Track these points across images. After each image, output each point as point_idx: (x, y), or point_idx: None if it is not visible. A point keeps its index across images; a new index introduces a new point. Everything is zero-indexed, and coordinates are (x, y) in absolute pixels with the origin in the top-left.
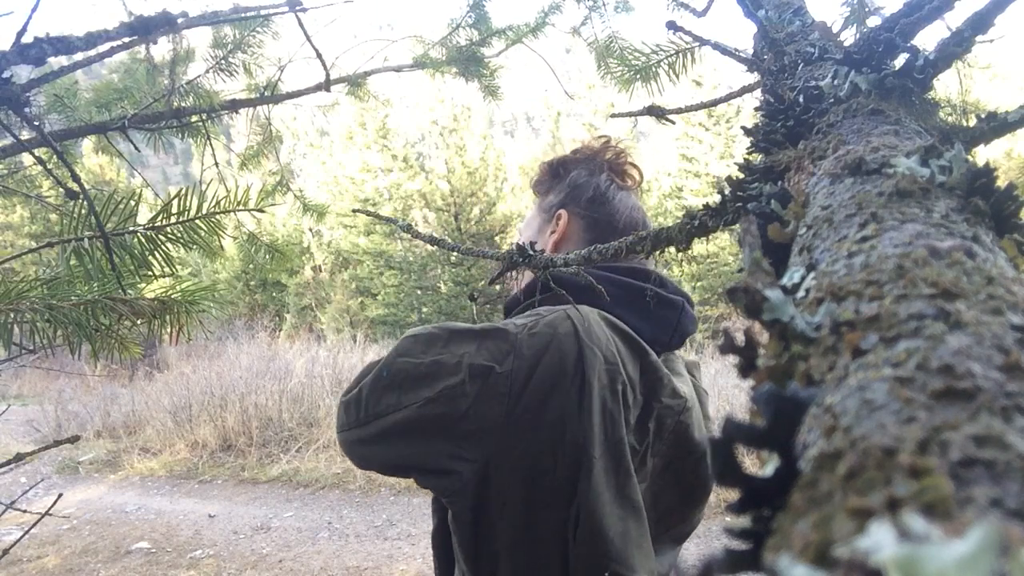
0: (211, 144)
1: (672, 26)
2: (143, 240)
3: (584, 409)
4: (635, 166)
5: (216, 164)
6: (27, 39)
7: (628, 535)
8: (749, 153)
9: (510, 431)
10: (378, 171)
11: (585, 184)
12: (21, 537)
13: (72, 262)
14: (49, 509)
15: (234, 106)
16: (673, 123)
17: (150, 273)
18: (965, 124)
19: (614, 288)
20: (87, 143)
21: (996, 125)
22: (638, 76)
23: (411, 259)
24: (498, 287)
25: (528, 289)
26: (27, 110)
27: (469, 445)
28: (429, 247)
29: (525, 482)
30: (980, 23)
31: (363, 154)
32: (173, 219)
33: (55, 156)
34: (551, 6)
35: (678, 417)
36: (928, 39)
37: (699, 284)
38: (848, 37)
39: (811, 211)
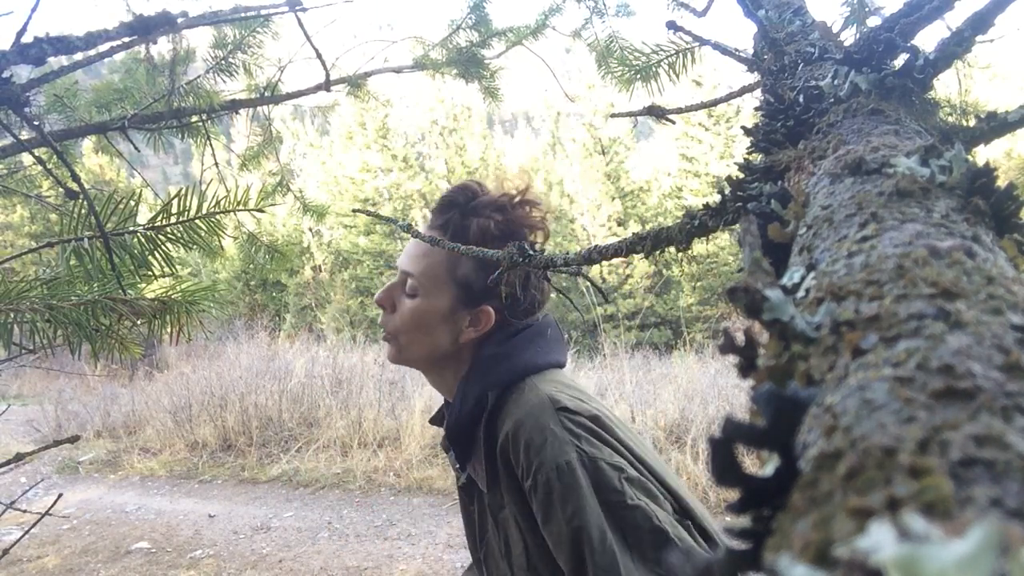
0: (211, 144)
1: (672, 26)
2: (143, 240)
3: None
4: (545, 229)
5: (216, 164)
6: (27, 39)
7: None
8: (749, 153)
9: None
10: (378, 171)
11: (518, 294)
12: (21, 537)
13: (72, 262)
14: (49, 509)
15: (234, 106)
16: (673, 123)
17: (150, 273)
18: (965, 124)
19: (535, 345)
20: (87, 143)
21: (996, 125)
22: (638, 76)
23: None
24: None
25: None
26: (27, 110)
27: None
28: None
29: None
30: (980, 23)
31: (363, 154)
32: (173, 219)
33: (55, 156)
34: (551, 8)
35: None
36: (928, 39)
37: (699, 284)
38: (848, 37)
39: (811, 211)
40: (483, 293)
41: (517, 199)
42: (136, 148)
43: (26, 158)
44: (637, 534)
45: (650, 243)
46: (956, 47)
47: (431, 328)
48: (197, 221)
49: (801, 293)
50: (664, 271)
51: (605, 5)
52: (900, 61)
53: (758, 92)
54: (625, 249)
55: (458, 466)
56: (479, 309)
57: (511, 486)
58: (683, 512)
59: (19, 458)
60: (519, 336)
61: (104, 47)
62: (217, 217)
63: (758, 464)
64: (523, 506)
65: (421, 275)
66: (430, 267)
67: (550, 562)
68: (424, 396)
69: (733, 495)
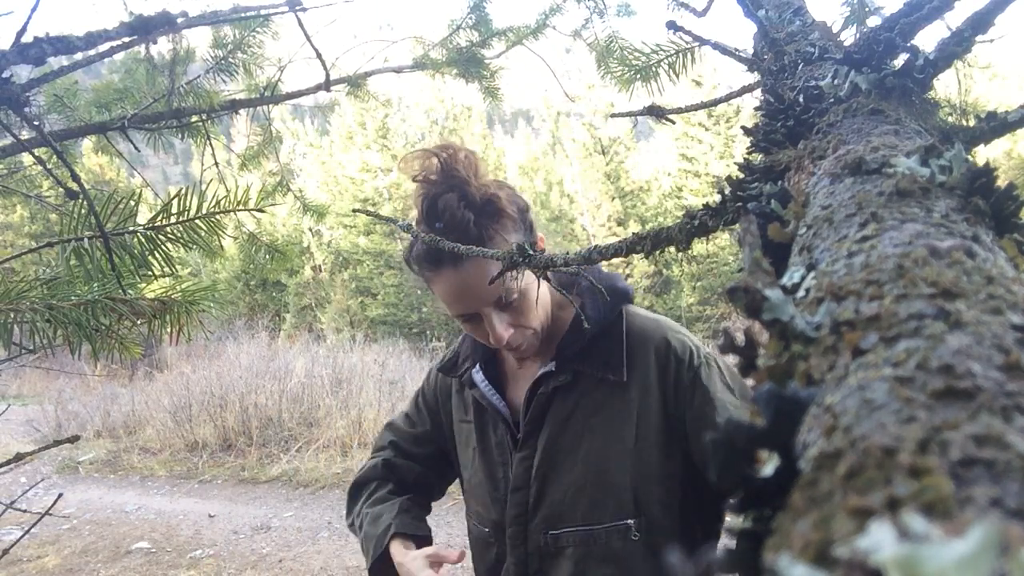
0: (211, 144)
1: (672, 26)
2: (143, 240)
3: None
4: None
5: (216, 164)
6: (27, 39)
7: None
8: (749, 153)
9: None
10: (378, 171)
11: (526, 206)
12: (21, 537)
13: (72, 262)
14: (49, 509)
15: (234, 106)
16: (673, 123)
17: (150, 273)
18: (965, 124)
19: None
20: (87, 143)
21: (996, 125)
22: (638, 76)
23: None
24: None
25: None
26: (27, 110)
27: None
28: None
29: None
30: (980, 23)
31: (363, 154)
32: (173, 219)
33: (55, 156)
34: (552, 8)
35: None
36: (928, 39)
37: (699, 284)
38: (848, 37)
39: (811, 211)
40: (530, 235)
41: (448, 157)
42: (136, 148)
43: (26, 158)
44: None
45: (650, 243)
46: (956, 47)
47: (542, 299)
48: (197, 221)
49: (801, 293)
50: (664, 271)
51: (605, 5)
52: (900, 61)
53: (758, 92)
54: (625, 249)
55: (554, 368)
56: (535, 245)
57: (652, 381)
58: None
59: (19, 458)
60: (603, 271)
61: (104, 47)
62: (217, 217)
63: (758, 464)
64: (659, 397)
65: (506, 288)
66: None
67: (646, 461)
68: None
69: (733, 495)
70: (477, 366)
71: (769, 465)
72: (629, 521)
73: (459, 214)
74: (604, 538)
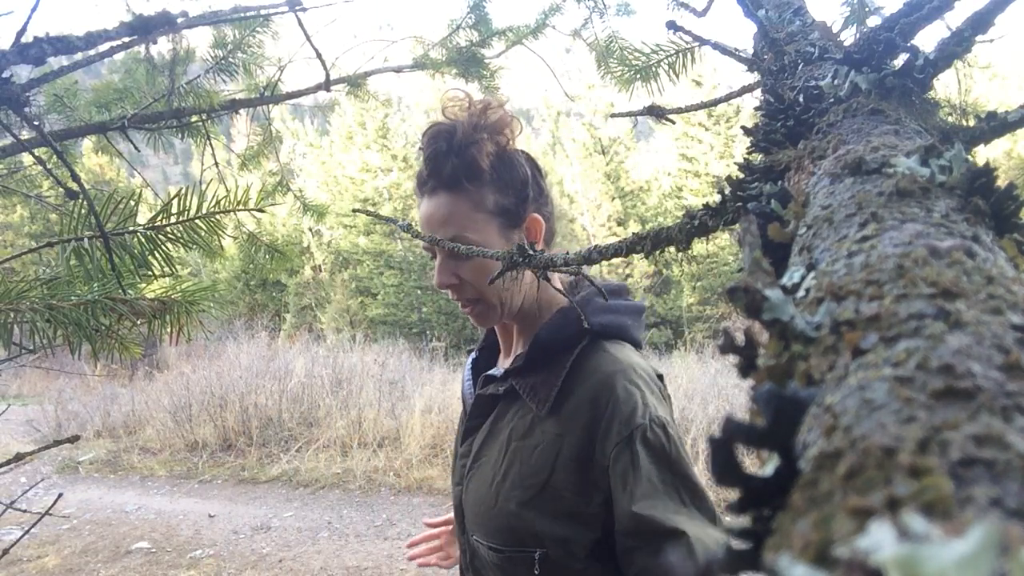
0: (211, 144)
1: (672, 26)
2: (143, 240)
3: None
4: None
5: (216, 164)
6: (27, 39)
7: None
8: (749, 153)
9: None
10: (378, 171)
11: (529, 179)
12: (21, 537)
13: (72, 262)
14: (49, 509)
15: (234, 106)
16: (673, 123)
17: (150, 273)
18: (965, 124)
19: (633, 319)
20: (87, 143)
21: (996, 125)
22: (638, 76)
23: (411, 259)
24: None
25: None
26: (27, 110)
27: None
28: None
29: None
30: (980, 23)
31: (363, 154)
32: (173, 219)
33: (55, 156)
34: (551, 7)
35: None
36: (928, 39)
37: (699, 284)
38: (848, 37)
39: (811, 211)
40: (520, 207)
41: (480, 108)
42: (136, 148)
43: (26, 158)
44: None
45: (650, 243)
46: (956, 47)
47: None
48: (197, 221)
49: (801, 293)
50: (664, 271)
51: (605, 5)
52: (900, 61)
53: (758, 92)
54: (625, 249)
55: (500, 374)
56: (525, 222)
57: (581, 421)
58: None
59: (19, 458)
60: (623, 301)
61: (104, 47)
62: (217, 217)
63: (758, 464)
64: (584, 440)
65: (459, 234)
66: (460, 221)
67: (556, 499)
68: (424, 396)
69: (733, 495)
70: (473, 353)
71: (769, 465)
72: (534, 552)
73: (434, 144)
74: (509, 563)
